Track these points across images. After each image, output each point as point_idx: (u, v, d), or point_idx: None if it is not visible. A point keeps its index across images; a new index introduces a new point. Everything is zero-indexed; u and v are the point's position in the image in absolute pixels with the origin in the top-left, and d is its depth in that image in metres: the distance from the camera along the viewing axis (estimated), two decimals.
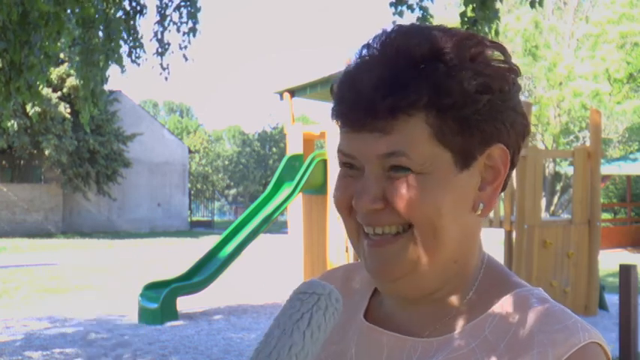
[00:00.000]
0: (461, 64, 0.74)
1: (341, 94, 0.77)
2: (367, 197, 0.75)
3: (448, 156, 0.75)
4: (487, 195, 0.79)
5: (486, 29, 5.04)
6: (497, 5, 5.10)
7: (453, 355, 0.76)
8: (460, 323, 0.79)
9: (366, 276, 0.91)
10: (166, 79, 7.97)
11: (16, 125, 21.79)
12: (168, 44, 7.65)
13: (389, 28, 0.78)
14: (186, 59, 7.86)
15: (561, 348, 0.71)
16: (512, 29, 20.05)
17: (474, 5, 4.97)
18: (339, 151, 0.79)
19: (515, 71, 0.79)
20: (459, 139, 0.75)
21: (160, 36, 7.59)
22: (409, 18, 5.65)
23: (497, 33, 5.27)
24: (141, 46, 7.58)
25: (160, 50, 7.61)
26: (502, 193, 0.83)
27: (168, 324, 8.04)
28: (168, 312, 8.23)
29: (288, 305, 0.71)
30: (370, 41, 0.78)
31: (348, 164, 0.78)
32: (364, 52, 0.78)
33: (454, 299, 0.81)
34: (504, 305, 0.78)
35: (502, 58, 0.78)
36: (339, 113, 0.77)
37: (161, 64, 7.73)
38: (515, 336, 0.74)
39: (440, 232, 0.75)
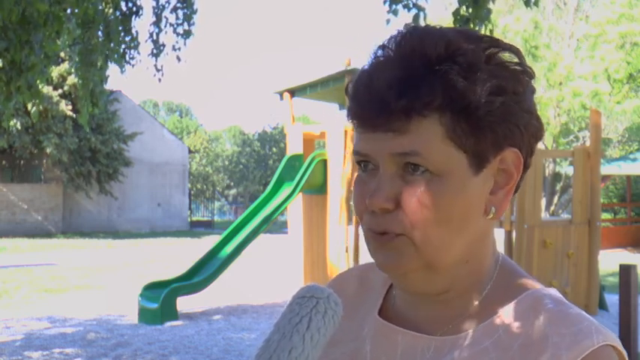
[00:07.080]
0: (475, 65, 0.74)
1: (356, 93, 0.77)
2: (380, 195, 0.75)
3: (462, 157, 0.75)
4: (499, 199, 0.79)
5: (478, 28, 5.01)
6: (490, 5, 5.08)
7: (467, 353, 0.77)
8: (474, 323, 0.79)
9: (382, 274, 0.92)
10: (160, 80, 7.96)
11: (19, 124, 21.79)
12: (163, 45, 7.64)
13: (404, 28, 0.79)
14: (179, 60, 7.85)
15: (574, 351, 0.71)
16: (512, 30, 20.05)
17: (468, 4, 4.96)
18: (355, 152, 0.79)
19: (529, 73, 0.79)
20: (472, 140, 0.75)
21: (155, 37, 7.59)
22: (404, 17, 5.62)
23: (491, 33, 5.24)
24: (136, 46, 7.58)
25: (154, 51, 7.61)
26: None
27: (168, 324, 8.04)
28: (168, 312, 8.23)
29: (287, 310, 0.72)
30: (385, 42, 0.79)
31: (364, 162, 0.79)
32: (379, 52, 0.78)
33: (467, 299, 0.81)
34: (519, 306, 0.78)
35: (516, 60, 0.78)
36: (354, 113, 0.78)
37: (155, 66, 7.72)
38: (529, 337, 0.75)
39: (447, 237, 0.76)
